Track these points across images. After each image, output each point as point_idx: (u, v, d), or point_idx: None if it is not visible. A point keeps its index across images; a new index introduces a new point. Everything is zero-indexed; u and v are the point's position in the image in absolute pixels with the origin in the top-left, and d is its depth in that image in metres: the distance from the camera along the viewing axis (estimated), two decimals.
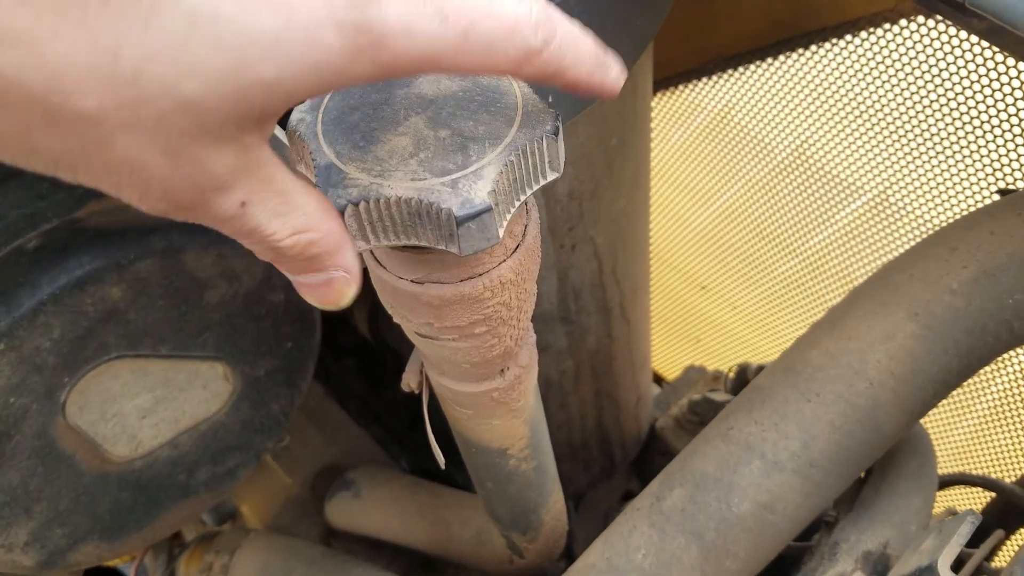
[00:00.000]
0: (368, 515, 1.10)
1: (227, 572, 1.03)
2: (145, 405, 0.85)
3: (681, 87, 1.25)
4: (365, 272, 0.54)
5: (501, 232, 0.40)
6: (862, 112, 1.12)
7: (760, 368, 1.19)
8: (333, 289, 0.40)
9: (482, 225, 0.39)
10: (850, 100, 1.11)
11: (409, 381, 0.65)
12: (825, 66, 1.07)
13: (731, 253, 1.47)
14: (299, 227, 0.36)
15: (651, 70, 0.85)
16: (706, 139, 1.36)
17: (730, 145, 1.32)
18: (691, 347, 1.60)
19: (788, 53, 1.08)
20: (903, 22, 0.92)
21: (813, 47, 1.04)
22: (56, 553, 0.84)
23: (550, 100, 0.65)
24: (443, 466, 0.66)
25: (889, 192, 1.18)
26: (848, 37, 1.00)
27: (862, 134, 1.13)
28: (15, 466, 0.77)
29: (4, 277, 0.68)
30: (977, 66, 0.89)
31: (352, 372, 1.60)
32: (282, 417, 0.98)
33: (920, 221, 1.16)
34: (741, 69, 1.14)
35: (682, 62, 1.15)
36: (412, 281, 0.49)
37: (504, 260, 0.49)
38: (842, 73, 1.07)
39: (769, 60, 1.10)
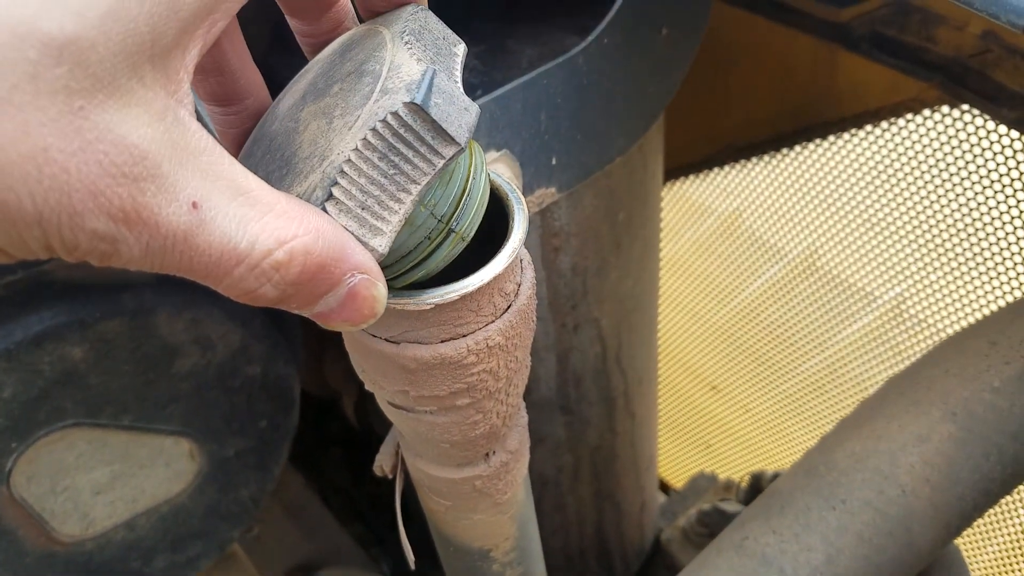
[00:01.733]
0: None
1: None
2: (101, 480, 0.78)
3: (692, 177, 1.22)
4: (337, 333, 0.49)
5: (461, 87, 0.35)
6: (877, 211, 1.08)
7: (775, 476, 1.10)
8: (360, 301, 0.33)
9: (443, 92, 0.33)
10: (865, 196, 1.07)
11: (383, 463, 0.58)
12: (841, 159, 1.04)
13: (745, 353, 1.41)
14: (283, 234, 0.30)
15: (662, 148, 0.82)
16: (720, 236, 1.32)
17: (744, 244, 1.28)
18: (701, 453, 1.51)
19: (803, 144, 1.05)
20: (926, 112, 0.89)
21: (831, 138, 1.01)
22: None
23: (553, 163, 0.61)
24: (413, 565, 0.58)
25: (906, 301, 1.13)
26: (868, 128, 0.97)
27: (876, 235, 1.09)
28: None
29: (6, 307, 0.63)
30: (1007, 158, 0.85)
31: (337, 463, 1.51)
32: (251, 504, 0.90)
33: (936, 330, 1.10)
34: (754, 160, 1.11)
35: (693, 150, 1.12)
36: (387, 340, 0.43)
37: (492, 321, 0.43)
38: (859, 167, 1.04)
39: (784, 151, 1.07)
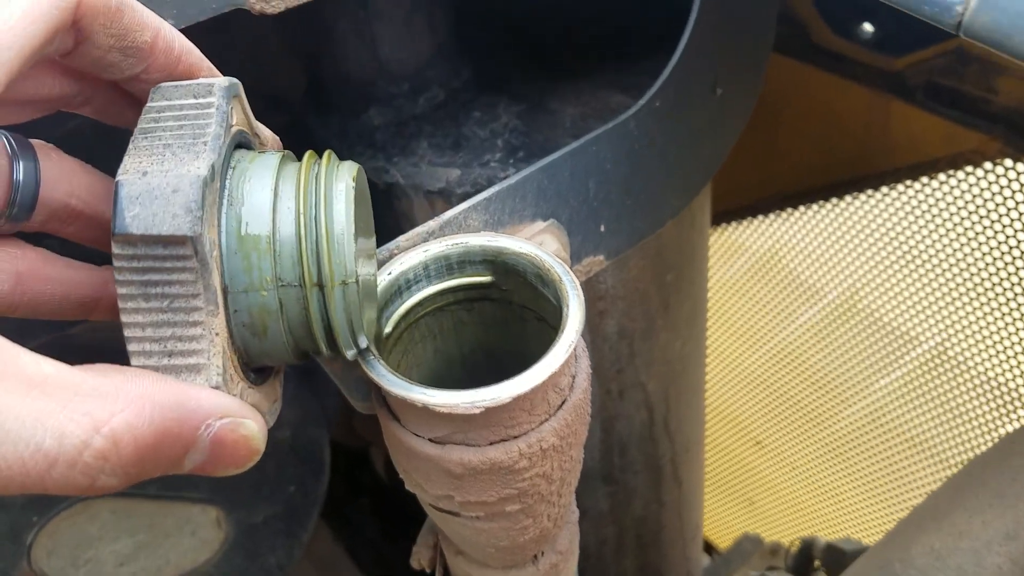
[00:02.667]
0: None
1: None
2: (125, 551, 0.75)
3: (735, 223, 1.18)
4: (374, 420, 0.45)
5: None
6: (927, 259, 1.03)
7: (829, 547, 1.04)
8: (230, 448, 0.29)
9: (137, 196, 0.29)
10: (914, 245, 1.02)
11: (420, 558, 0.54)
12: (893, 209, 0.99)
13: (785, 403, 1.35)
14: (97, 417, 0.26)
15: (709, 201, 0.78)
16: (754, 277, 1.27)
17: (780, 286, 1.23)
18: (743, 510, 1.45)
19: (855, 193, 1.01)
20: (988, 165, 0.85)
21: (884, 188, 0.96)
22: None
23: (602, 230, 0.57)
24: None
25: (947, 344, 1.07)
26: (924, 179, 0.92)
27: (920, 279, 1.04)
28: None
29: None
30: None
31: (366, 515, 1.47)
32: (278, 572, 0.86)
33: (978, 372, 1.04)
34: (802, 208, 1.06)
35: (740, 196, 1.08)
36: (431, 440, 0.39)
37: (546, 420, 0.39)
38: (908, 216, 0.99)
39: (834, 200, 1.03)
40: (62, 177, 0.35)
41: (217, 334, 0.31)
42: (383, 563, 1.43)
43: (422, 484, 0.41)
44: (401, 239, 0.44)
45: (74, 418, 0.25)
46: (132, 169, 0.30)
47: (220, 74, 0.35)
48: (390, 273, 0.42)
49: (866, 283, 1.10)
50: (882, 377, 1.19)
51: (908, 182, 0.94)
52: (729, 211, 1.12)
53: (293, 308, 0.33)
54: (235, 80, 0.34)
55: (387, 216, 0.64)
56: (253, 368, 0.35)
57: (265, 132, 0.38)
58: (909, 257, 1.04)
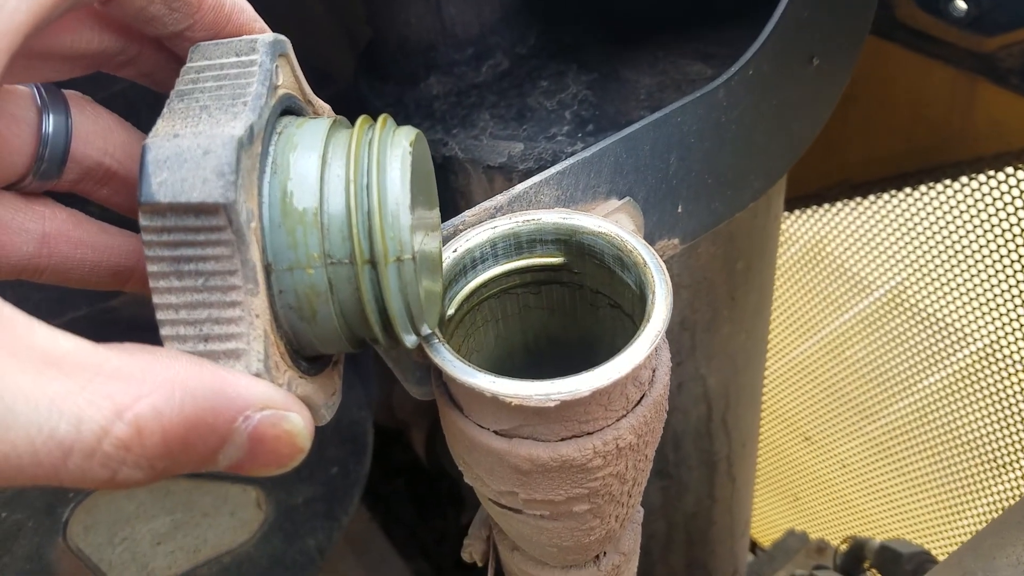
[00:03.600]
0: None
1: None
2: (161, 530, 0.73)
3: (797, 212, 1.13)
4: (432, 406, 0.42)
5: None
6: (1000, 255, 0.97)
7: (883, 548, 1.00)
8: (271, 444, 0.26)
9: (164, 161, 0.26)
10: (977, 238, 0.96)
11: (472, 550, 0.51)
12: (972, 200, 0.93)
13: (836, 398, 1.30)
14: (119, 401, 0.22)
15: (784, 187, 0.73)
16: (807, 266, 1.22)
17: (832, 276, 1.18)
18: (787, 506, 1.40)
19: (929, 184, 0.95)
20: None
21: (963, 179, 0.91)
22: None
23: (679, 211, 0.53)
24: None
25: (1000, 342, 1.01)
26: (1009, 170, 0.86)
27: (978, 274, 0.98)
28: None
29: None
30: None
31: (401, 495, 1.45)
32: (317, 555, 0.84)
33: None
34: (872, 198, 1.01)
35: (804, 184, 1.02)
36: (496, 433, 0.36)
37: (623, 416, 0.36)
38: (988, 208, 0.93)
39: (907, 190, 0.97)
40: (97, 133, 0.32)
41: (258, 316, 0.27)
42: (416, 543, 1.41)
43: (483, 478, 0.38)
44: (467, 214, 0.41)
45: (94, 401, 0.22)
46: (163, 132, 0.27)
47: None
48: (455, 251, 0.39)
49: (924, 275, 1.05)
50: (933, 373, 1.13)
51: (991, 172, 0.88)
52: (792, 199, 1.07)
53: (344, 289, 0.30)
54: (282, 37, 0.31)
55: (443, 192, 0.60)
56: (306, 357, 0.32)
57: (319, 101, 0.34)
58: (975, 251, 0.98)
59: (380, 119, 0.32)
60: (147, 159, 0.26)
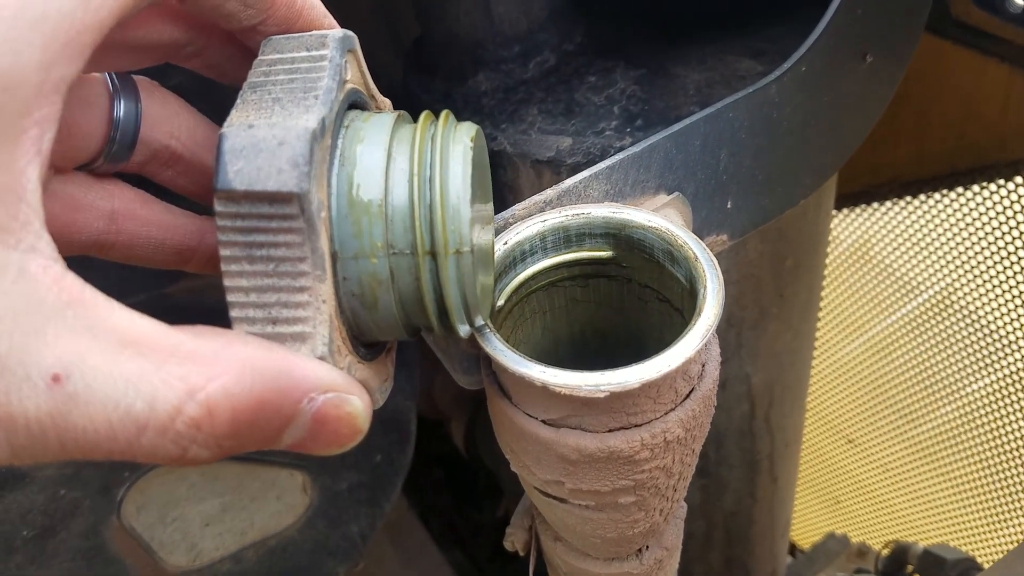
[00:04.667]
0: None
1: None
2: (211, 512, 0.75)
3: (847, 210, 1.11)
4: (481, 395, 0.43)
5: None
6: None
7: (927, 553, 0.98)
8: (332, 425, 0.27)
9: (241, 149, 0.27)
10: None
11: (514, 540, 0.52)
12: (1016, 199, 0.91)
13: (881, 401, 1.28)
14: (193, 382, 0.23)
15: (835, 184, 0.72)
16: (853, 266, 1.20)
17: (878, 276, 1.16)
18: (828, 509, 1.39)
19: (983, 184, 0.93)
20: None
21: (1018, 178, 0.89)
22: None
23: (729, 206, 0.53)
24: None
25: None
26: None
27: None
28: (56, 566, 0.67)
29: None
30: None
31: (439, 485, 1.46)
32: (360, 541, 0.85)
33: None
34: (922, 197, 0.99)
35: (852, 181, 1.01)
36: (544, 422, 0.36)
37: (672, 409, 0.36)
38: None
39: (959, 190, 0.95)
40: (164, 117, 0.33)
41: (324, 301, 0.28)
42: (454, 533, 1.42)
43: (530, 467, 0.39)
44: (518, 208, 0.41)
45: (168, 381, 0.23)
46: (238, 121, 0.28)
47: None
48: (505, 243, 0.40)
49: (974, 277, 1.03)
50: (981, 378, 1.11)
51: None
52: (839, 197, 1.06)
53: (404, 278, 0.31)
54: (350, 33, 0.32)
55: (492, 186, 0.61)
56: (364, 343, 0.33)
57: (381, 96, 0.35)
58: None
59: (442, 115, 0.33)
60: (224, 147, 0.27)
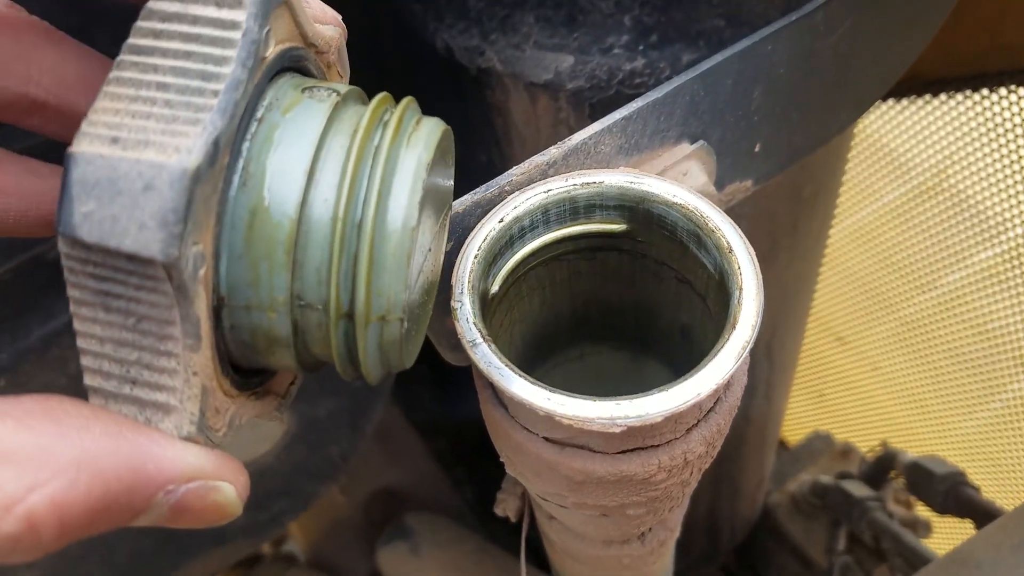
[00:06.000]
0: None
1: None
2: None
3: None
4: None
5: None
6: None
7: (915, 465, 0.98)
8: (198, 514, 0.23)
9: (94, 186, 0.20)
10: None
11: (505, 507, 0.48)
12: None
13: (870, 297, 1.25)
14: (11, 490, 0.19)
15: None
16: (853, 156, 1.14)
17: (865, 164, 1.10)
18: (812, 403, 1.38)
19: (1011, 88, 0.85)
20: None
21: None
22: None
23: (757, 150, 0.46)
24: None
25: None
26: None
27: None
28: None
29: (12, 296, 0.54)
30: None
31: (423, 380, 1.44)
32: (340, 462, 0.83)
33: None
34: (943, 97, 0.91)
35: None
36: (547, 440, 0.31)
37: (694, 426, 0.31)
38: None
39: (984, 92, 0.87)
40: (16, 57, 0.25)
41: (195, 373, 0.22)
42: (438, 428, 1.42)
43: (529, 479, 0.34)
44: (515, 171, 0.34)
45: None
46: (99, 129, 0.20)
47: None
48: (501, 220, 0.33)
49: (985, 177, 0.97)
50: (960, 269, 1.07)
51: None
52: None
53: (313, 333, 0.24)
54: None
55: (476, 109, 0.53)
56: (254, 370, 0.27)
57: (324, 34, 0.26)
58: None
59: (400, 106, 0.25)
60: (72, 176, 0.20)
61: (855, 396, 1.32)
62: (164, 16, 0.22)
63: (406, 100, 0.25)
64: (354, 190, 0.23)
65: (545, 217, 0.34)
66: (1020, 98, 0.85)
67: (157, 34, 0.22)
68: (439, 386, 1.47)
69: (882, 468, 1.06)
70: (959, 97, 0.90)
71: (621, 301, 0.40)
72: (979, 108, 0.89)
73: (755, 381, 0.76)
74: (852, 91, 0.45)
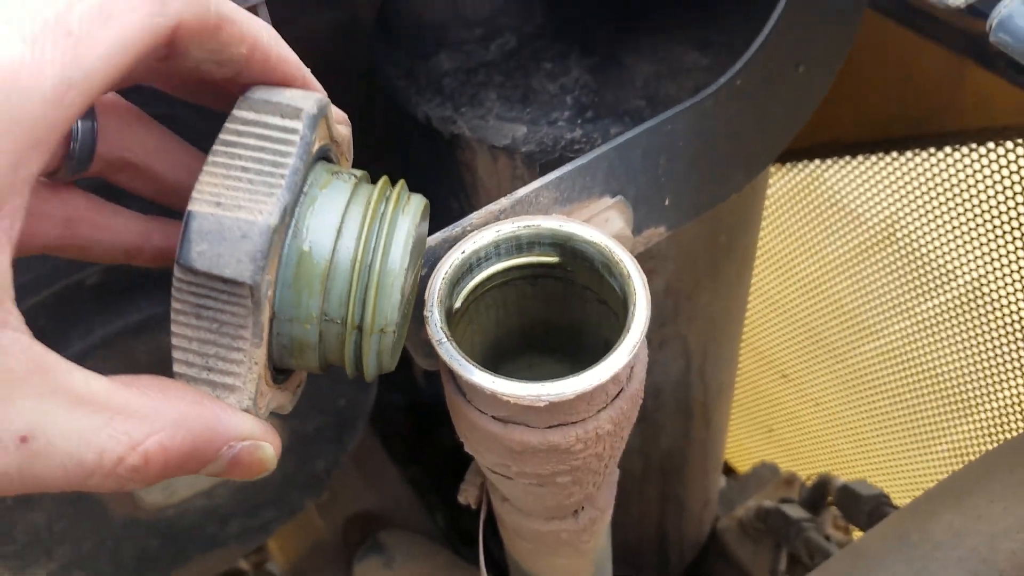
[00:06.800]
0: None
1: None
2: None
3: (788, 165, 1.17)
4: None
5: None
6: (988, 219, 1.01)
7: (845, 488, 1.08)
8: (245, 466, 0.33)
9: (207, 232, 0.30)
10: (975, 206, 1.01)
11: (467, 495, 0.58)
12: (955, 169, 0.97)
13: (814, 340, 1.37)
14: (135, 437, 0.28)
15: (768, 171, 0.77)
16: (786, 207, 1.26)
17: (817, 219, 1.23)
18: (762, 437, 1.50)
19: (915, 151, 0.99)
20: None
21: (947, 149, 0.94)
22: None
23: (667, 203, 0.58)
24: None
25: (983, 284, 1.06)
26: (991, 144, 0.90)
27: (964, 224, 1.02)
28: (42, 506, 0.73)
29: (58, 312, 0.64)
30: None
31: (400, 410, 1.53)
32: (325, 476, 0.92)
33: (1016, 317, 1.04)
34: (860, 158, 1.05)
35: (797, 139, 1.06)
36: (494, 418, 0.42)
37: (603, 408, 0.42)
38: (970, 178, 0.97)
39: (894, 154, 1.01)
40: (119, 131, 0.36)
41: (256, 363, 0.32)
42: (413, 456, 1.50)
43: (481, 452, 0.44)
44: (474, 216, 0.45)
45: (115, 436, 0.28)
46: (206, 196, 0.31)
47: (315, 82, 0.35)
48: (463, 252, 0.44)
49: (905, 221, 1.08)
50: (907, 317, 1.19)
51: (974, 145, 0.92)
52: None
53: (332, 341, 0.35)
54: (324, 101, 0.34)
55: (450, 164, 0.65)
56: (280, 370, 0.38)
57: (342, 132, 0.38)
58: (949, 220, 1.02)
59: (397, 187, 0.36)
60: (191, 227, 0.30)
61: (800, 430, 1.43)
62: (245, 122, 0.33)
63: (400, 182, 0.37)
64: (367, 243, 0.34)
65: (497, 250, 0.45)
66: (963, 155, 0.97)
67: (240, 134, 0.32)
68: (414, 418, 1.56)
69: (819, 493, 1.16)
70: (908, 154, 1.01)
71: (559, 320, 0.51)
72: (926, 165, 1.00)
73: (692, 404, 0.87)
74: (744, 158, 0.57)
